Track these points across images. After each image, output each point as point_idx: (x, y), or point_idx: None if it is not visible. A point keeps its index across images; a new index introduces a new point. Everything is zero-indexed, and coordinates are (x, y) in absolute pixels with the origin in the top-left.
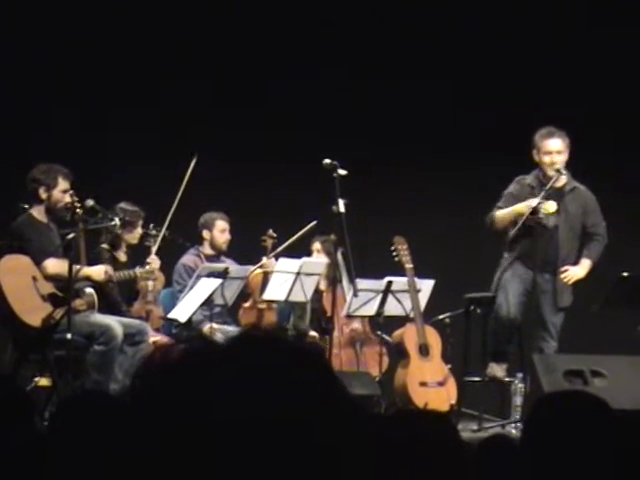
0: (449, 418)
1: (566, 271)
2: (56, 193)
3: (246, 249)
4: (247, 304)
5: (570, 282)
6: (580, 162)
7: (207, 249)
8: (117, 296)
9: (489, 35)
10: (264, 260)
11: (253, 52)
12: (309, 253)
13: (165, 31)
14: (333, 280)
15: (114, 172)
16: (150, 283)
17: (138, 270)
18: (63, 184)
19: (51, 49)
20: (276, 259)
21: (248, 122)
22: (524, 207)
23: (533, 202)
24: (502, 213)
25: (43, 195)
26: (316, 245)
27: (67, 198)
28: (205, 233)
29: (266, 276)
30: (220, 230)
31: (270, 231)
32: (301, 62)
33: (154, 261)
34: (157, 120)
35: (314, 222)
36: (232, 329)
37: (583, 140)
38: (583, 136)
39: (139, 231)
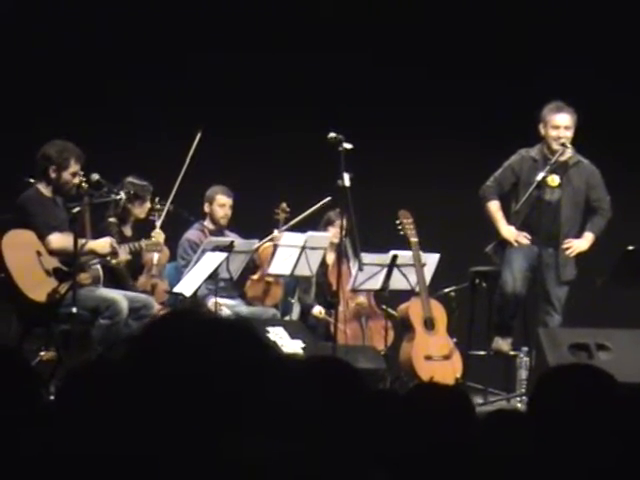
0: (466, 392)
1: (569, 244)
2: (65, 175)
3: (257, 222)
4: (255, 276)
5: (572, 254)
6: (584, 135)
7: (210, 223)
8: (124, 270)
9: (495, 5)
10: (275, 233)
11: (258, 27)
12: (318, 228)
13: (174, 4)
14: (339, 254)
15: (121, 145)
16: (155, 257)
17: (144, 242)
18: (74, 167)
19: (52, 21)
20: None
21: (256, 95)
22: (506, 233)
23: (538, 177)
24: (491, 211)
25: (52, 174)
26: (339, 222)
27: (75, 180)
28: (206, 207)
29: (276, 249)
30: (219, 205)
31: (284, 204)
32: (304, 37)
33: (159, 235)
34: (165, 94)
35: (328, 198)
36: (237, 303)
37: (587, 113)
38: (587, 109)
39: (148, 205)
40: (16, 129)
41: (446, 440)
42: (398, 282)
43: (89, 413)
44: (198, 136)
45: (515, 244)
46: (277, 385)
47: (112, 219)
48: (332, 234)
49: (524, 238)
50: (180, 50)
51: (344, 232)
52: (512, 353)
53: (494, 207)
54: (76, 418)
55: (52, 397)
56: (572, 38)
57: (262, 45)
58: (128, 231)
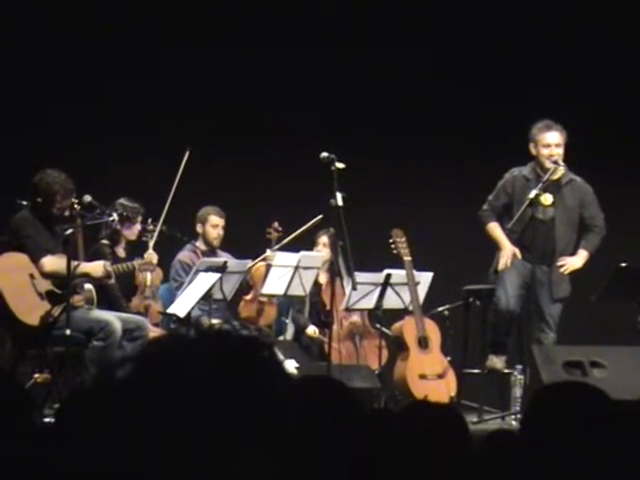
0: (459, 410)
1: (563, 262)
2: (53, 210)
3: (249, 242)
4: (248, 297)
5: (566, 272)
6: (577, 152)
7: (202, 244)
8: (117, 292)
9: (491, 25)
10: (268, 252)
11: (248, 46)
12: (311, 247)
13: (159, 23)
14: (333, 274)
15: (112, 166)
16: (148, 278)
17: (137, 262)
18: (61, 203)
19: (52, 47)
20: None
21: (248, 114)
22: (504, 248)
23: (530, 195)
24: (492, 231)
25: (39, 206)
26: (323, 239)
27: (65, 213)
28: (199, 227)
29: (269, 269)
30: (212, 225)
31: (276, 224)
32: (298, 54)
33: (151, 256)
34: (156, 113)
35: (320, 216)
36: (233, 323)
37: (580, 130)
38: (580, 126)
39: (138, 227)
40: (9, 150)
41: (440, 459)
42: (392, 301)
43: (89, 434)
44: (186, 156)
45: (507, 261)
46: (280, 406)
47: (104, 241)
48: (324, 253)
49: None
50: (170, 68)
51: (336, 250)
52: (506, 371)
53: (494, 227)
54: (75, 439)
55: (47, 419)
56: (566, 58)
57: (254, 63)
58: (121, 252)
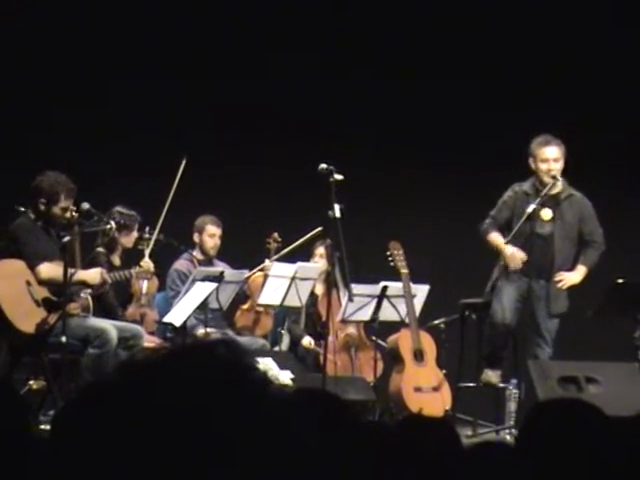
0: (452, 425)
1: (561, 277)
2: (55, 209)
3: (248, 252)
4: (245, 306)
5: (564, 287)
6: (577, 167)
7: (199, 253)
8: (113, 300)
9: (492, 36)
10: (266, 262)
11: (251, 52)
12: (308, 258)
13: (158, 31)
14: (329, 285)
15: (110, 174)
16: (144, 286)
17: (134, 270)
18: (64, 202)
19: (49, 55)
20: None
21: (249, 124)
22: (506, 253)
23: (529, 209)
24: (493, 240)
25: (42, 207)
26: (320, 250)
27: (66, 214)
28: (196, 236)
29: (266, 279)
30: (209, 235)
31: (275, 234)
32: (298, 67)
33: (147, 264)
34: (153, 122)
35: (319, 228)
36: (228, 333)
37: (580, 146)
38: (580, 142)
39: (135, 235)
40: (6, 156)
41: (433, 473)
42: (388, 313)
43: (86, 443)
44: (183, 164)
45: (512, 263)
46: (271, 419)
47: (100, 249)
48: (321, 264)
49: (519, 255)
50: (168, 74)
51: (333, 262)
52: (501, 385)
53: (495, 237)
54: (72, 447)
55: (42, 426)
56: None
57: (252, 73)
58: (117, 260)
